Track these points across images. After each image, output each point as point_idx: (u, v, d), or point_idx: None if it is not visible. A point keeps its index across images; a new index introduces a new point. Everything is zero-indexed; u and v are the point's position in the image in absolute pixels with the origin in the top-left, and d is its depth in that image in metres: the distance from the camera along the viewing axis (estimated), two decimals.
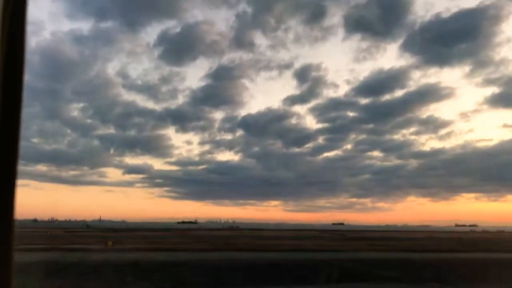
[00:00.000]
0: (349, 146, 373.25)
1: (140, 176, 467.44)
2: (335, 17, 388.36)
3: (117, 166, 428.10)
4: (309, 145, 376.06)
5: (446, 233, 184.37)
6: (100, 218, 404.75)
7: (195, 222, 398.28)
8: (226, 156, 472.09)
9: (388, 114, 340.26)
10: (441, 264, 46.94)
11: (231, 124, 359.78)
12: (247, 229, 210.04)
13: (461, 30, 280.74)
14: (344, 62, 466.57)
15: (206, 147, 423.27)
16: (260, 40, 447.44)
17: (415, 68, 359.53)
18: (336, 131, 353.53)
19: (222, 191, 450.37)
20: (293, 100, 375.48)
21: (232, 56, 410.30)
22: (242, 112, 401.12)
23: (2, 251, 2.11)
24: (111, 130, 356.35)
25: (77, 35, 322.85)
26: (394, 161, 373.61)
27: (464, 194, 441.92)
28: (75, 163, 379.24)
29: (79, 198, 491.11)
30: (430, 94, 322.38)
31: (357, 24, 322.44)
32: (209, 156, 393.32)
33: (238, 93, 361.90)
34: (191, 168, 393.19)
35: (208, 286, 30.13)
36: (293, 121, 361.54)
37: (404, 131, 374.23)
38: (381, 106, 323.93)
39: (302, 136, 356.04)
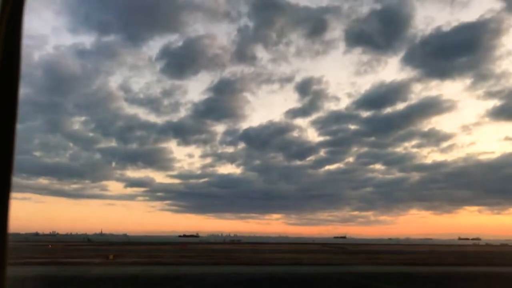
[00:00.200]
0: (351, 159, 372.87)
1: (142, 189, 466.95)
2: (336, 30, 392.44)
3: (118, 179, 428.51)
4: (311, 158, 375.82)
5: (449, 247, 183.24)
6: (101, 232, 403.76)
7: (196, 236, 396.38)
8: (227, 169, 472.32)
9: (390, 127, 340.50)
10: (443, 278, 46.75)
11: (232, 137, 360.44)
12: (249, 242, 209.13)
13: (462, 44, 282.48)
14: (345, 75, 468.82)
15: (208, 160, 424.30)
16: (262, 53, 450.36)
17: (416, 81, 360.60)
18: (338, 144, 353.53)
19: (223, 204, 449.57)
20: (294, 113, 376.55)
21: (234, 70, 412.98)
22: (244, 125, 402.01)
23: None
24: (113, 144, 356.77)
25: (79, 49, 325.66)
26: (396, 174, 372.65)
27: (467, 207, 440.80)
28: (76, 177, 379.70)
29: (80, 211, 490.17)
30: (431, 107, 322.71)
31: (358, 38, 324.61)
32: (211, 169, 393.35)
33: (239, 106, 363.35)
34: (192, 181, 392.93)
35: None
36: (295, 134, 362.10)
37: (406, 144, 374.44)
38: (383, 119, 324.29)
39: (304, 149, 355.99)
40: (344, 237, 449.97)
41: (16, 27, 2.29)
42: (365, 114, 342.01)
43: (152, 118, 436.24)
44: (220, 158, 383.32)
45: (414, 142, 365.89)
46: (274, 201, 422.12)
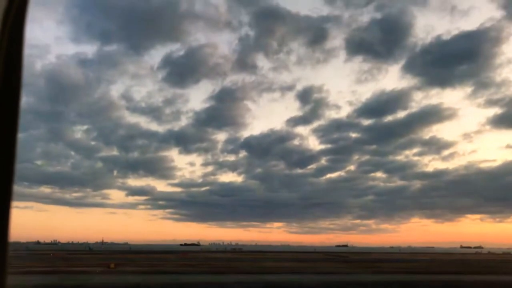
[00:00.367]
0: (352, 167, 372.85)
1: (143, 198, 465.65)
2: (336, 39, 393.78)
3: (120, 188, 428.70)
4: (312, 166, 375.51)
5: (451, 255, 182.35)
6: (102, 240, 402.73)
7: (197, 244, 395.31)
8: (229, 177, 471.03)
9: (391, 135, 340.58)
10: (445, 287, 46.59)
11: (234, 145, 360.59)
12: (250, 251, 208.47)
13: (462, 52, 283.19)
14: (346, 84, 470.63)
15: (209, 169, 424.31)
16: (263, 62, 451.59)
17: (417, 89, 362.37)
18: (339, 152, 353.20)
19: (225, 212, 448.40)
20: (295, 121, 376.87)
21: (235, 78, 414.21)
22: (245, 134, 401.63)
23: None
24: (114, 152, 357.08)
25: (81, 59, 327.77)
26: (397, 182, 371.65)
27: (469, 215, 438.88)
28: (78, 185, 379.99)
29: (82, 220, 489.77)
30: (432, 115, 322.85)
31: (358, 46, 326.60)
32: (212, 177, 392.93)
33: (241, 115, 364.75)
34: (194, 189, 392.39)
35: None
36: (296, 142, 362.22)
37: (407, 152, 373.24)
38: (384, 127, 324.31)
39: (305, 157, 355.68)
40: (346, 246, 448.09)
41: (18, 36, 2.33)
42: (366, 122, 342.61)
43: (154, 126, 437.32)
44: (222, 166, 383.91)
45: (415, 150, 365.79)
46: (275, 210, 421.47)
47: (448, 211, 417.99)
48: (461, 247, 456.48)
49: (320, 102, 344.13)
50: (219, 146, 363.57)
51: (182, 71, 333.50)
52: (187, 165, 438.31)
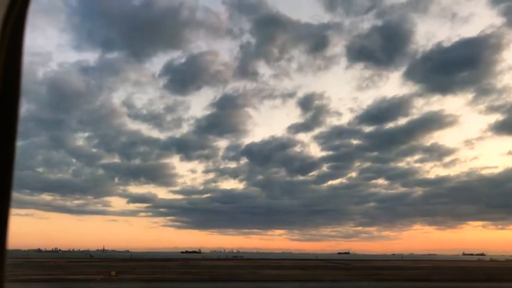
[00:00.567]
0: (353, 174, 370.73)
1: (144, 205, 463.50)
2: (337, 46, 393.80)
3: (121, 195, 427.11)
4: (314, 173, 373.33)
5: (453, 262, 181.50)
6: (103, 248, 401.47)
7: (198, 252, 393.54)
8: (230, 184, 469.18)
9: (392, 142, 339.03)
10: None
11: (235, 152, 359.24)
12: (251, 259, 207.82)
13: (463, 59, 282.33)
14: (347, 91, 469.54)
15: (211, 176, 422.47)
16: (264, 69, 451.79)
17: (418, 96, 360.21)
18: (340, 159, 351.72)
19: (226, 220, 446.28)
20: (297, 128, 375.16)
21: (236, 85, 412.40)
22: (246, 141, 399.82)
23: None
24: (115, 159, 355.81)
25: (83, 66, 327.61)
26: (399, 189, 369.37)
27: (471, 222, 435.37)
28: (79, 193, 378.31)
29: (83, 227, 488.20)
30: (433, 121, 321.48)
31: (359, 53, 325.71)
32: (213, 184, 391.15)
33: (242, 122, 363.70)
34: (195, 196, 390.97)
35: None
36: (297, 149, 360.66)
37: (409, 159, 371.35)
38: (385, 134, 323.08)
39: (306, 164, 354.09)
40: (347, 253, 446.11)
41: (17, 42, 2.35)
42: (368, 129, 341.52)
43: (155, 133, 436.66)
44: (223, 173, 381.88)
45: (416, 157, 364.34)
46: (276, 217, 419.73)
47: (450, 218, 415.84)
48: (464, 254, 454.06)
49: (321, 109, 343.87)
50: (220, 153, 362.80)
51: (183, 78, 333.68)
52: (188, 172, 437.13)
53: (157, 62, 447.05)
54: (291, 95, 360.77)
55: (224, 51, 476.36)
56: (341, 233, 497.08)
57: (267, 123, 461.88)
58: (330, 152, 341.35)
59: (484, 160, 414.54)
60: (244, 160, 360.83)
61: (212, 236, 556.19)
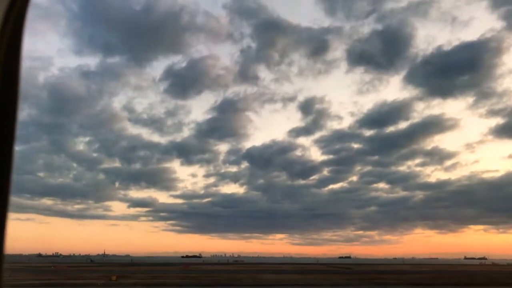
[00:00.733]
0: (354, 178, 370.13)
1: (145, 209, 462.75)
2: (337, 50, 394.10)
3: (122, 199, 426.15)
4: (314, 177, 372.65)
5: (455, 266, 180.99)
6: (104, 253, 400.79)
7: (199, 256, 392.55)
8: (231, 188, 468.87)
9: (393, 145, 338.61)
10: None
11: (236, 156, 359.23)
12: (252, 263, 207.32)
13: (463, 62, 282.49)
14: (347, 95, 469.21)
15: (211, 180, 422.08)
16: (264, 73, 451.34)
17: (419, 99, 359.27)
18: (341, 163, 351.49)
19: (227, 224, 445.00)
20: (297, 132, 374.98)
21: (237, 90, 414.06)
22: (247, 145, 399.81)
23: None
24: (116, 164, 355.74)
25: (84, 71, 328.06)
26: (400, 193, 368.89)
27: (472, 226, 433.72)
28: (80, 197, 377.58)
29: (83, 232, 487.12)
30: (434, 125, 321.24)
31: (359, 57, 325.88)
32: (214, 189, 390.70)
33: (242, 126, 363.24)
34: (196, 201, 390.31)
35: None
36: (298, 153, 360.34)
37: (409, 163, 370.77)
38: (386, 137, 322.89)
39: (307, 168, 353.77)
40: (349, 257, 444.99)
41: (16, 44, 2.34)
42: (368, 133, 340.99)
43: (156, 138, 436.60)
44: (223, 177, 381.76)
45: (417, 161, 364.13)
46: (277, 221, 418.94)
47: (451, 222, 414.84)
48: (465, 258, 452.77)
49: (321, 113, 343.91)
50: (221, 157, 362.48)
51: (184, 82, 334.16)
52: (189, 177, 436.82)
53: (158, 66, 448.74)
54: (291, 99, 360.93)
55: (225, 56, 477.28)
56: (342, 237, 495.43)
57: (267, 127, 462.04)
58: (331, 156, 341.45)
59: (485, 163, 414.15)
60: (244, 164, 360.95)
61: (212, 241, 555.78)
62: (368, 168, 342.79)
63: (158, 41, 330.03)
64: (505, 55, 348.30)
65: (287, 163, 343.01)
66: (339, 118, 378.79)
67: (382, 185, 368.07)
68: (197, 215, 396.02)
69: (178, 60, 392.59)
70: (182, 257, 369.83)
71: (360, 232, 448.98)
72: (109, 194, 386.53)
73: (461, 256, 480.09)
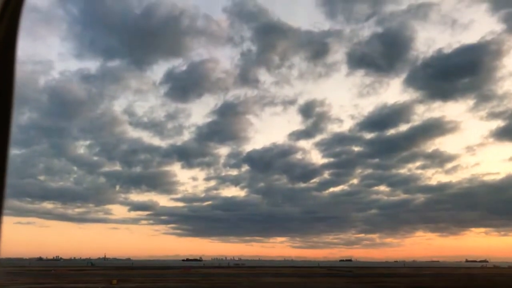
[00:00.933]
0: (355, 181, 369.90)
1: (146, 213, 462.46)
2: (338, 53, 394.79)
3: (122, 203, 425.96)
4: (315, 180, 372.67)
5: (456, 269, 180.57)
6: (105, 256, 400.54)
7: (200, 260, 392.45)
8: (231, 192, 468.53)
9: (394, 148, 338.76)
10: None
11: (236, 159, 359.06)
12: (253, 266, 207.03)
13: (464, 65, 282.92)
14: (348, 98, 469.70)
15: (212, 183, 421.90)
16: (265, 76, 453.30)
17: (419, 102, 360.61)
18: (342, 166, 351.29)
19: (227, 227, 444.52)
20: (298, 135, 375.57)
21: (237, 93, 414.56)
22: (247, 148, 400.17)
23: None
24: (117, 167, 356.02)
25: (85, 74, 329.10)
26: (401, 196, 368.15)
27: (473, 229, 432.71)
28: (80, 201, 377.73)
29: (84, 235, 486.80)
30: (434, 128, 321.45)
31: (360, 60, 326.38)
32: (215, 192, 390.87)
33: (243, 129, 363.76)
34: (196, 204, 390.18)
35: None
36: (298, 156, 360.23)
37: (410, 165, 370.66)
38: (386, 140, 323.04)
39: (308, 171, 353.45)
40: (350, 260, 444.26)
41: (9, 48, 2.30)
42: (369, 135, 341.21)
43: (156, 141, 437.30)
44: (224, 181, 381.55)
45: (418, 164, 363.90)
46: (278, 224, 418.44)
47: (452, 225, 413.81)
48: (467, 261, 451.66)
49: (322, 116, 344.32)
50: (222, 160, 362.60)
51: (184, 86, 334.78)
52: (190, 180, 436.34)
53: (158, 70, 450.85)
54: (292, 102, 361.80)
55: (225, 59, 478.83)
56: (343, 240, 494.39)
57: (268, 130, 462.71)
58: (332, 159, 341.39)
59: (486, 166, 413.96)
60: (245, 168, 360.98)
61: (213, 244, 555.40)
62: (369, 171, 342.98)
63: (159, 45, 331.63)
64: (506, 58, 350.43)
65: (287, 166, 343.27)
66: (340, 121, 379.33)
67: (383, 188, 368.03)
68: (197, 218, 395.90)
69: (178, 64, 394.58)
70: (183, 260, 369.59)
71: (361, 235, 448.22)
72: (110, 198, 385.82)
73: (462, 259, 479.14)
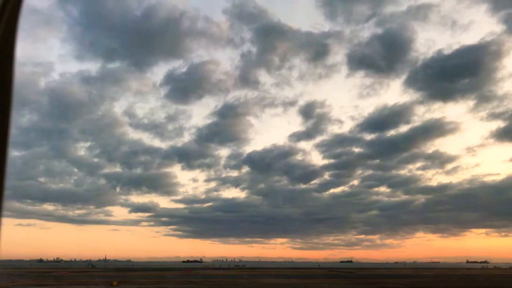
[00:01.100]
0: (355, 182, 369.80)
1: (146, 214, 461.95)
2: (338, 55, 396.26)
3: (123, 204, 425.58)
4: (315, 181, 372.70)
5: (457, 270, 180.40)
6: (105, 258, 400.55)
7: (200, 261, 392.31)
8: (232, 193, 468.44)
9: (394, 149, 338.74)
10: None
11: (236, 161, 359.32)
12: (253, 268, 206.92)
13: (464, 66, 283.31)
14: (348, 99, 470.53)
15: (212, 184, 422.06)
16: (265, 78, 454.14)
17: (419, 103, 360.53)
18: (342, 167, 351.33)
19: (228, 229, 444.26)
20: (298, 136, 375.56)
21: (237, 94, 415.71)
22: (248, 149, 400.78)
23: None
24: (117, 169, 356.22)
25: (85, 76, 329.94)
26: (401, 197, 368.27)
27: (474, 230, 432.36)
28: (81, 202, 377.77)
29: (84, 237, 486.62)
30: (435, 129, 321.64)
31: (360, 61, 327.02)
32: (215, 193, 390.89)
33: (243, 130, 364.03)
34: (197, 205, 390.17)
35: None
36: (299, 157, 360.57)
37: (411, 166, 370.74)
38: (387, 141, 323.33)
39: (308, 172, 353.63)
40: (350, 261, 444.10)
41: (8, 48, 2.30)
42: (369, 137, 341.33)
43: (157, 143, 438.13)
44: (225, 182, 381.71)
45: (418, 165, 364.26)
46: (279, 225, 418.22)
47: (452, 226, 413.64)
48: (467, 262, 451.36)
49: (322, 117, 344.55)
50: (222, 162, 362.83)
51: (184, 87, 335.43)
52: (190, 181, 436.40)
53: (158, 71, 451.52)
54: (292, 103, 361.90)
55: (225, 60, 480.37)
56: (343, 241, 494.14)
57: (268, 131, 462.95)
58: (332, 160, 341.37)
59: (486, 167, 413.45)
60: (245, 169, 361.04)
61: (214, 245, 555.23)
62: (369, 172, 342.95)
63: (159, 46, 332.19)
64: (506, 59, 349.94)
65: (288, 167, 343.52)
66: (340, 122, 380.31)
67: (383, 189, 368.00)
68: (198, 220, 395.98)
69: (178, 65, 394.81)
70: (183, 262, 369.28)
71: (362, 236, 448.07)
72: (110, 199, 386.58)
73: (463, 260, 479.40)
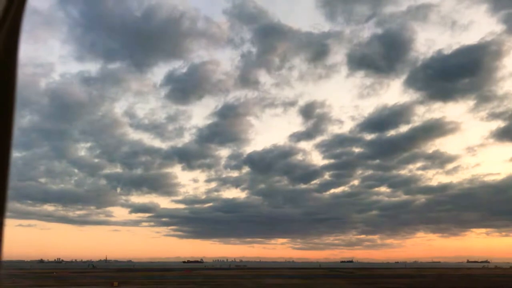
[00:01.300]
0: (356, 182, 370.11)
1: (147, 215, 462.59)
2: (338, 55, 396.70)
3: (123, 205, 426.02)
4: (316, 181, 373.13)
5: (458, 270, 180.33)
6: (106, 258, 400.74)
7: (201, 262, 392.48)
8: (232, 193, 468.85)
9: (394, 149, 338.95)
10: None
11: (237, 161, 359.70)
12: (254, 268, 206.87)
13: (464, 66, 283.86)
14: (348, 99, 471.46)
15: (213, 185, 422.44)
16: (265, 78, 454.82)
17: (419, 103, 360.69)
18: (343, 167, 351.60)
19: (228, 229, 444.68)
20: (298, 136, 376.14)
21: (238, 94, 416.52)
22: (248, 149, 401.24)
23: None
24: (118, 169, 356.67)
25: (85, 77, 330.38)
26: (401, 197, 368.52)
27: (474, 229, 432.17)
28: (82, 203, 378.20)
29: (85, 238, 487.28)
30: (435, 129, 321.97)
31: (360, 62, 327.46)
32: (216, 193, 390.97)
33: (243, 131, 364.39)
34: (197, 206, 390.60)
35: None
36: (299, 157, 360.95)
37: (411, 166, 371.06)
38: (387, 141, 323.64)
39: (308, 173, 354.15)
40: (351, 261, 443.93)
41: (11, 52, 2.30)
42: (369, 137, 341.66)
43: (157, 143, 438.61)
44: (225, 182, 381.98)
45: (418, 164, 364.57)
46: (279, 225, 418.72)
47: (453, 226, 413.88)
48: (468, 261, 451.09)
49: (322, 117, 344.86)
50: (222, 162, 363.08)
51: (184, 87, 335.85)
52: (191, 182, 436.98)
53: (159, 72, 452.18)
54: (292, 103, 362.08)
55: (225, 61, 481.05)
56: (344, 241, 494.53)
57: (268, 131, 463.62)
58: (332, 160, 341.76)
59: (486, 167, 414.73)
60: (246, 169, 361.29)
61: (214, 245, 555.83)
62: (369, 172, 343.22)
63: (159, 47, 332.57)
64: (506, 58, 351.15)
65: (288, 167, 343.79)
66: (340, 122, 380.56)
67: (383, 189, 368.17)
68: (198, 220, 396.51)
69: (179, 66, 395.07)
70: (184, 262, 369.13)
71: (362, 236, 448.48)
72: (111, 200, 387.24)
73: (463, 259, 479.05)
